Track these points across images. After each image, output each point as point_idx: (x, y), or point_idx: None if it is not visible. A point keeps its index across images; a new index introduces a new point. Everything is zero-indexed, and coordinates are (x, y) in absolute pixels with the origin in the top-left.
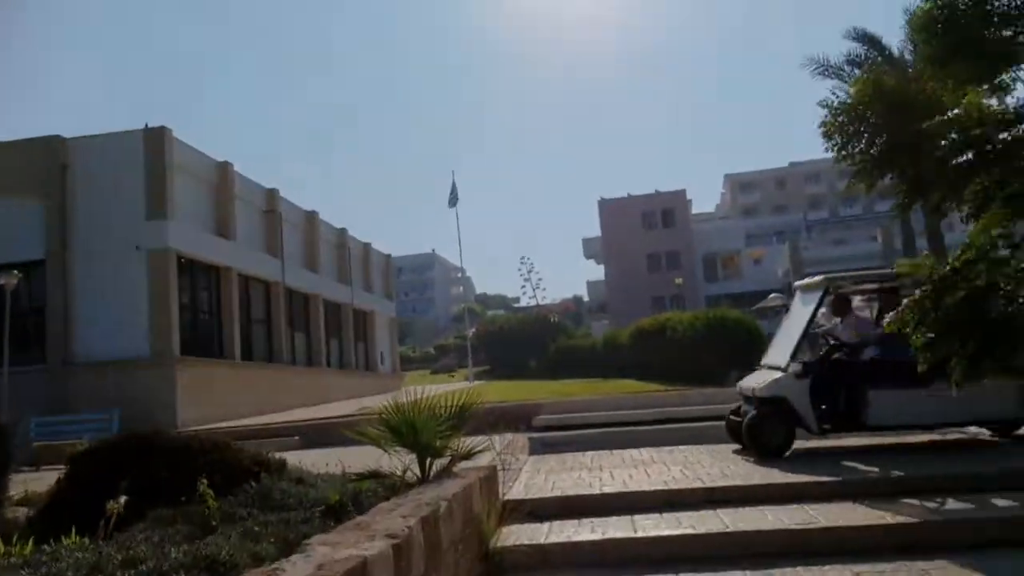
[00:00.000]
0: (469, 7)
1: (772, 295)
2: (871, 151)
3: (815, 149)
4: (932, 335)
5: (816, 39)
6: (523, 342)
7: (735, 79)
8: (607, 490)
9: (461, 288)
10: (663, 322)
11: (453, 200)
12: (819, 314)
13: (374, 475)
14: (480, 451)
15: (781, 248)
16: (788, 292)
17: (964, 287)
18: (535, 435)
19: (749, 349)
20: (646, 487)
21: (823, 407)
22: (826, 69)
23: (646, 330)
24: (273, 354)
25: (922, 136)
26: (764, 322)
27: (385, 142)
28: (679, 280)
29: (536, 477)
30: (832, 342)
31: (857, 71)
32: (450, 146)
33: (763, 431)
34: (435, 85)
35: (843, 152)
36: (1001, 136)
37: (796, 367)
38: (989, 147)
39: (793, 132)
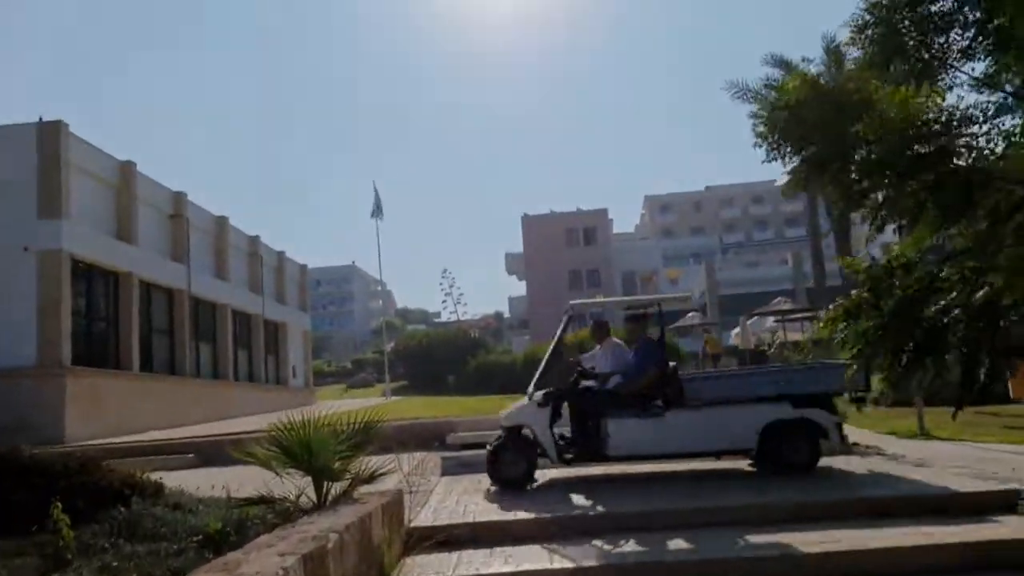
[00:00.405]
0: (393, 12)
1: (690, 314)
2: (803, 153)
3: (730, 174)
4: (862, 344)
5: (735, 65)
6: (442, 358)
7: (657, 102)
8: (522, 515)
9: (381, 302)
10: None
11: (376, 211)
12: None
13: (264, 500)
14: (384, 473)
15: (698, 269)
16: (704, 312)
17: (900, 290)
18: (449, 454)
19: None
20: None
21: (569, 436)
22: (745, 93)
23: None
24: (175, 366)
25: (857, 139)
26: (685, 340)
27: (306, 151)
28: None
29: (447, 500)
30: (579, 369)
31: (775, 95)
32: (373, 158)
33: (503, 461)
34: (358, 94)
35: (774, 153)
36: (937, 141)
37: (538, 396)
38: (925, 150)
39: (710, 157)
